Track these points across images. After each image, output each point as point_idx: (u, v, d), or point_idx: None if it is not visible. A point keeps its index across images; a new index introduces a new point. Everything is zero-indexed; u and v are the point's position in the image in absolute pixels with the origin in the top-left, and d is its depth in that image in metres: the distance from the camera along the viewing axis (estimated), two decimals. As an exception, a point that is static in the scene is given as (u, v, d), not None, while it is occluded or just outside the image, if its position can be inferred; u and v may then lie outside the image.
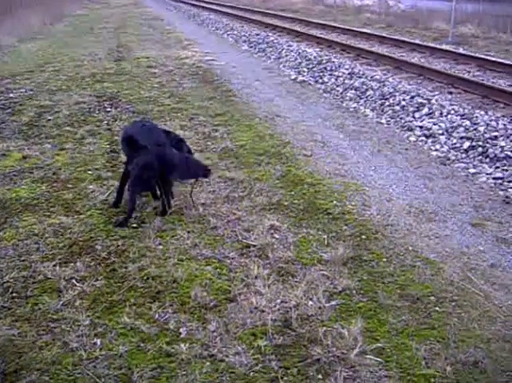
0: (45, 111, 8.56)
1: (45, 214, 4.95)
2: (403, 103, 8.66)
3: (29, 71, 12.14)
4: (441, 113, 7.96)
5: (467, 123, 7.42)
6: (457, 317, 3.51)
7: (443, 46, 15.10)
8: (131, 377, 3.00)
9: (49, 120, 8.07)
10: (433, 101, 8.48)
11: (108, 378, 2.99)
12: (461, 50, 14.42)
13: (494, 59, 12.64)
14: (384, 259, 4.19)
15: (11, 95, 9.73)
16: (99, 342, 3.27)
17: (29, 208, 5.09)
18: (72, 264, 4.10)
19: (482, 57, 13.02)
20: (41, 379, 3.00)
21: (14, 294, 3.76)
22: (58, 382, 2.98)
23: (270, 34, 17.87)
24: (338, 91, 10.04)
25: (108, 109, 8.63)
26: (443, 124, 7.50)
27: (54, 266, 4.07)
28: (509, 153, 6.39)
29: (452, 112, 7.92)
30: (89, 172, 5.91)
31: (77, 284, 3.85)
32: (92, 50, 15.16)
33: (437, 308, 3.61)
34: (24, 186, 5.60)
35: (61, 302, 3.64)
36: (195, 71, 12.05)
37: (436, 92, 9.28)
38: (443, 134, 7.21)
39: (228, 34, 19.56)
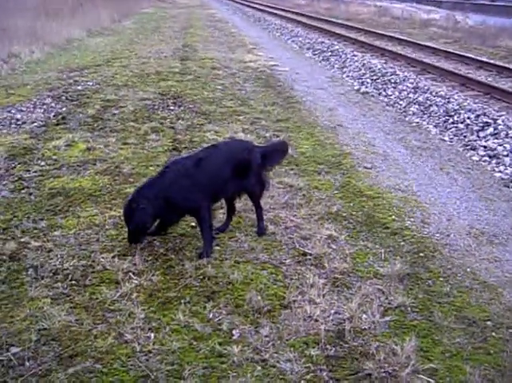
0: (110, 105, 8.77)
1: (107, 206, 5.07)
2: (468, 121, 8.48)
3: (97, 65, 12.47)
4: (507, 134, 7.76)
5: (534, 146, 7.24)
6: (514, 345, 3.42)
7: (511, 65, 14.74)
8: (183, 374, 3.03)
9: (114, 114, 8.26)
10: (499, 121, 8.28)
11: (159, 372, 3.04)
12: (530, 71, 14.04)
13: None
14: (441, 279, 4.11)
15: (79, 87, 10.00)
16: (153, 336, 3.33)
17: (91, 199, 5.22)
18: (130, 257, 4.18)
19: (552, 79, 12.67)
20: (95, 367, 3.07)
21: (73, 282, 3.86)
22: (111, 371, 3.04)
23: (335, 43, 17.81)
24: (401, 105, 9.90)
25: (172, 107, 8.76)
26: (508, 146, 7.32)
27: (113, 257, 4.17)
28: None
29: (519, 133, 7.73)
30: (151, 168, 6.00)
31: (134, 277, 3.92)
32: (158, 48, 15.43)
33: (494, 333, 3.52)
34: (87, 177, 5.74)
35: (118, 294, 3.72)
36: (259, 75, 12.11)
37: (503, 113, 9.03)
38: (507, 155, 7.03)
39: (293, 41, 19.58)
